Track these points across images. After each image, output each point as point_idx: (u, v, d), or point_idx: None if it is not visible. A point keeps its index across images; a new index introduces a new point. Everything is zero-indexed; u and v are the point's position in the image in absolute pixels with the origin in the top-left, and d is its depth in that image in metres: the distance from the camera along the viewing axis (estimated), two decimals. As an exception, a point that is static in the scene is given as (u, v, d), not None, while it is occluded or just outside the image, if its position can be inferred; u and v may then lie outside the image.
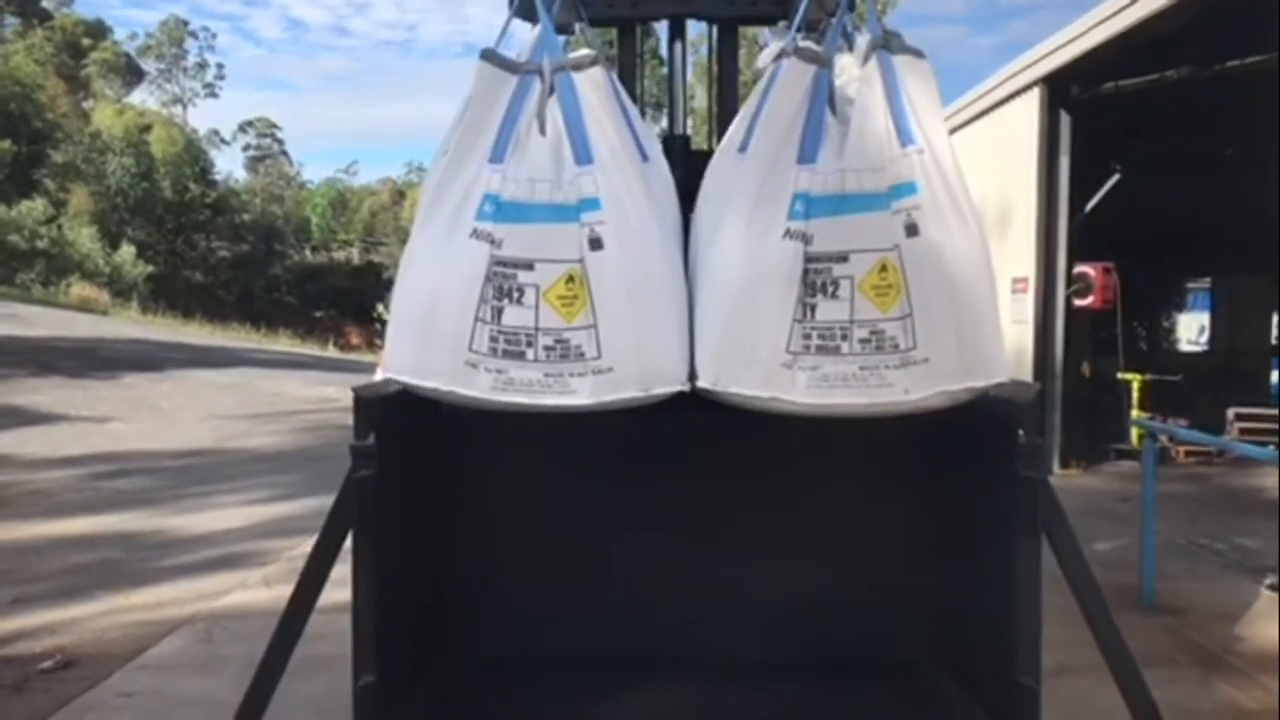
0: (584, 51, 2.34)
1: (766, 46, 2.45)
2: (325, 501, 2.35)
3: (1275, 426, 10.10)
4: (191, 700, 4.23)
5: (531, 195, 2.19)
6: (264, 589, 5.76)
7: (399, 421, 2.28)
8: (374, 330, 35.44)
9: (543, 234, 2.17)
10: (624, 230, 2.17)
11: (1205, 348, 17.47)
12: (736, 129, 2.34)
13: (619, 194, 2.19)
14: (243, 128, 63.03)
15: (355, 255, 53.03)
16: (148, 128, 45.85)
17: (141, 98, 57.59)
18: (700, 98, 12.50)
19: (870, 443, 2.49)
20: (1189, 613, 5.48)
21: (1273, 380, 13.40)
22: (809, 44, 2.31)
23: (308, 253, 52.15)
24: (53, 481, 8.93)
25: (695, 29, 3.05)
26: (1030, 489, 2.14)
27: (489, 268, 2.15)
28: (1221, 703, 4.30)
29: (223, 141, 60.56)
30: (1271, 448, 6.62)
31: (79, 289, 31.66)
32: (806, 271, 2.14)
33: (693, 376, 2.22)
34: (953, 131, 10.34)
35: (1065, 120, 9.96)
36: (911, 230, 2.10)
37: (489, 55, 2.31)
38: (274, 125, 63.81)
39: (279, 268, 47.60)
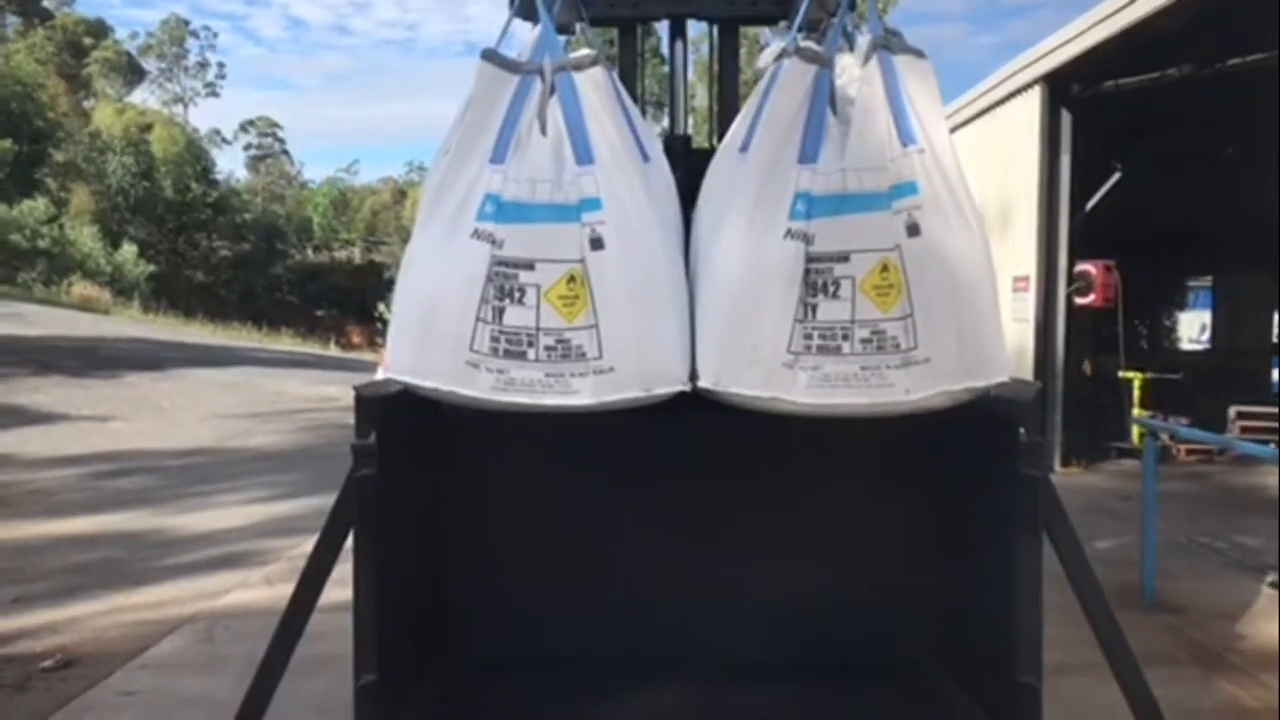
0: (585, 51, 2.34)
1: (768, 46, 2.45)
2: (326, 501, 2.36)
3: (1276, 425, 10.10)
4: (192, 699, 4.23)
5: (532, 195, 2.19)
6: (265, 588, 5.77)
7: (400, 421, 2.28)
8: (375, 329, 35.46)
9: (544, 234, 2.17)
10: (625, 230, 2.17)
11: (1206, 346, 17.45)
12: (737, 129, 2.34)
13: (620, 194, 2.19)
14: (244, 127, 63.14)
15: (356, 254, 53.07)
16: (149, 127, 45.84)
17: (143, 97, 57.71)
18: (701, 96, 12.49)
19: (871, 442, 2.49)
20: (1190, 611, 5.48)
21: (1274, 378, 13.41)
22: (810, 44, 2.31)
23: (309, 252, 52.18)
24: (54, 481, 8.93)
25: (696, 28, 3.06)
26: (1031, 487, 2.14)
27: (490, 268, 2.15)
28: (1222, 701, 4.30)
29: (224, 141, 60.67)
30: (1272, 446, 6.63)
31: (80, 288, 31.68)
32: (808, 271, 2.14)
33: (694, 376, 2.22)
34: (953, 130, 10.33)
35: (1066, 118, 9.95)
36: (913, 230, 2.10)
37: (490, 55, 2.31)
38: (275, 124, 63.94)
39: (280, 267, 47.63)
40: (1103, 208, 11.06)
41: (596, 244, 2.15)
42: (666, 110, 3.09)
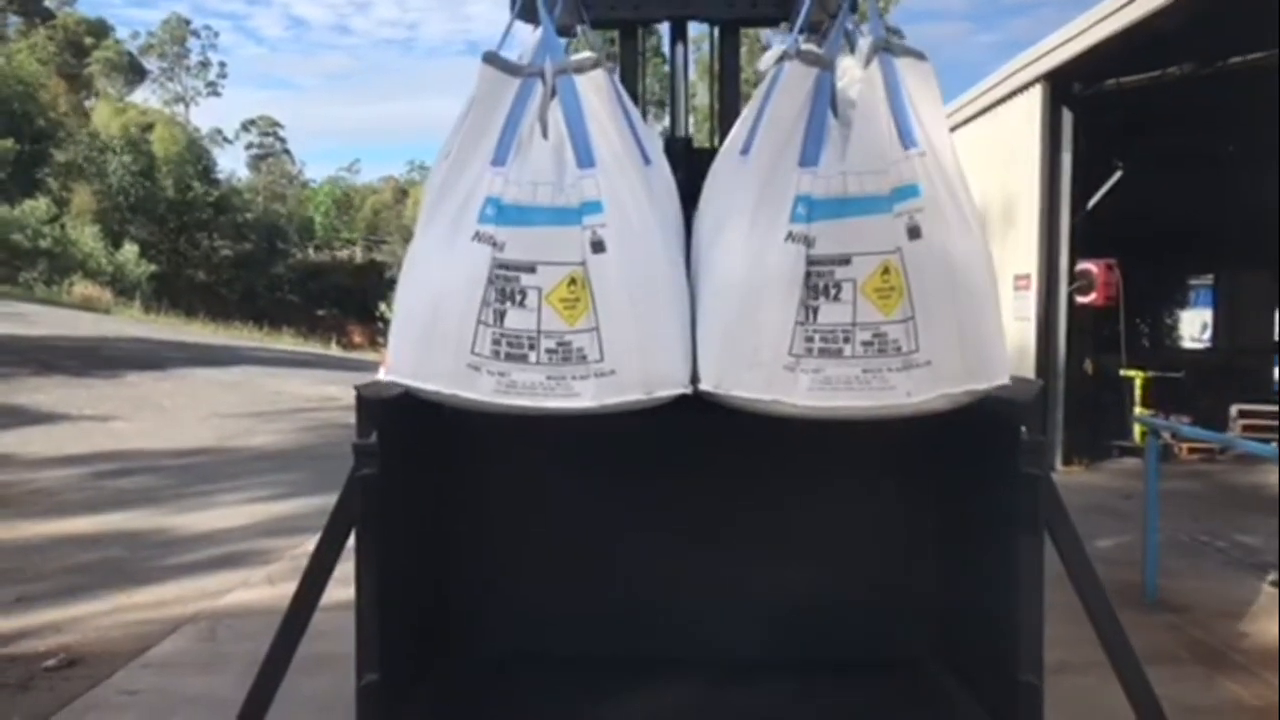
0: (586, 54, 2.34)
1: (769, 47, 2.45)
2: (328, 500, 2.36)
3: (1278, 423, 10.10)
4: (194, 698, 4.24)
5: (533, 198, 2.19)
6: (267, 587, 5.78)
7: (401, 422, 2.29)
8: (377, 329, 35.50)
9: (545, 237, 2.17)
10: (626, 233, 2.17)
11: (1208, 344, 17.43)
12: (738, 131, 2.34)
13: (621, 197, 2.19)
14: (245, 126, 63.16)
15: (358, 254, 53.05)
16: (150, 126, 45.84)
17: (144, 96, 57.68)
18: (703, 95, 12.49)
19: (872, 441, 2.49)
20: (1192, 610, 5.49)
21: (1275, 376, 13.40)
22: (811, 47, 2.31)
23: (310, 251, 52.17)
24: (55, 480, 8.94)
25: (697, 28, 3.06)
26: (1032, 486, 2.14)
27: (491, 270, 2.15)
28: (1224, 700, 4.30)
29: (225, 140, 60.60)
30: (1274, 444, 6.63)
31: (82, 288, 31.69)
32: (809, 274, 2.14)
33: (695, 379, 2.22)
34: (955, 129, 10.34)
35: (1067, 117, 9.95)
36: (914, 233, 2.10)
37: (491, 58, 2.31)
38: (276, 124, 63.95)
39: (282, 266, 47.61)
40: (1104, 206, 11.06)
41: (598, 247, 2.15)
42: (668, 109, 3.09)
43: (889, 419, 2.18)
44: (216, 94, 63.47)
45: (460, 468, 2.76)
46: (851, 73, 2.29)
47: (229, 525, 7.44)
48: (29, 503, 8.11)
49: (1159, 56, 9.45)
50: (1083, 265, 10.40)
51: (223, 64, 64.50)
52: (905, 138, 2.14)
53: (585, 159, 2.19)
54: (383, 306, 34.15)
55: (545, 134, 2.25)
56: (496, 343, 2.16)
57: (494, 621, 2.85)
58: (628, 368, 2.16)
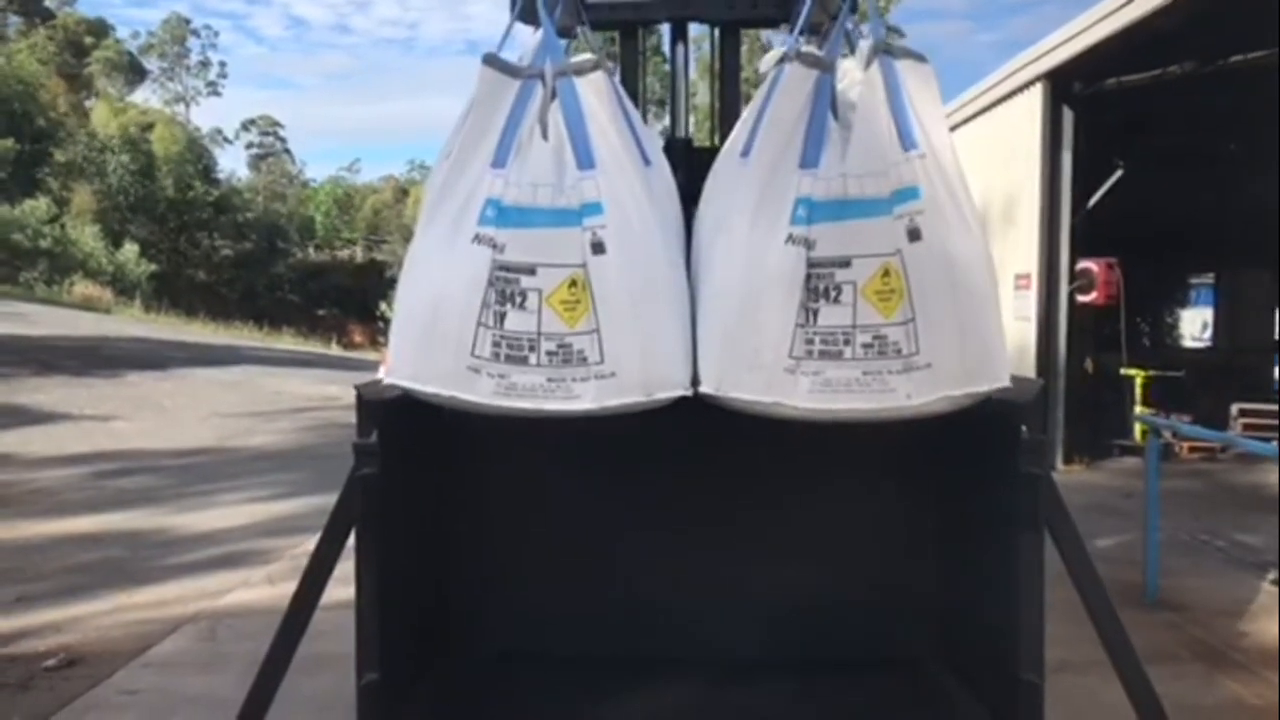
0: (586, 56, 2.34)
1: (770, 46, 2.45)
2: (328, 500, 2.37)
3: (1278, 422, 10.10)
4: (195, 698, 4.24)
5: (534, 200, 2.19)
6: (267, 587, 5.78)
7: (402, 422, 2.29)
8: (377, 328, 35.50)
9: (545, 238, 2.17)
10: (626, 235, 2.17)
11: (1208, 343, 17.43)
12: (739, 133, 2.34)
13: (621, 198, 2.19)
14: (245, 126, 63.15)
15: (358, 253, 53.04)
16: (150, 126, 45.84)
17: (144, 96, 57.66)
18: (703, 94, 12.48)
19: (872, 440, 2.49)
20: (1192, 609, 5.49)
21: (1275, 375, 13.40)
22: (811, 49, 2.31)
23: (310, 251, 52.16)
24: (56, 480, 8.94)
25: (698, 28, 3.06)
26: (1033, 485, 2.14)
27: (491, 272, 2.15)
28: (1225, 699, 4.31)
29: (225, 140, 60.59)
30: (1274, 443, 6.62)
31: (82, 287, 31.69)
32: (809, 276, 2.14)
33: (695, 381, 2.22)
34: (955, 128, 10.32)
35: (1068, 116, 9.94)
36: (914, 235, 2.10)
37: (491, 60, 2.31)
38: (276, 123, 63.93)
39: (282, 266, 47.60)
40: (1104, 205, 11.06)
41: (598, 248, 2.15)
42: (668, 109, 3.09)
43: (889, 421, 2.18)
44: (217, 94, 63.54)
45: (460, 467, 2.76)
46: (852, 75, 2.29)
47: (229, 525, 7.44)
48: (29, 502, 8.11)
49: (1159, 56, 9.44)
50: (1083, 264, 10.40)
51: (223, 63, 64.59)
52: (905, 140, 2.14)
53: (585, 160, 2.19)
54: (383, 306, 34.18)
55: (545, 136, 2.25)
56: (497, 345, 2.16)
57: (494, 621, 2.85)
58: (628, 370, 2.16)
